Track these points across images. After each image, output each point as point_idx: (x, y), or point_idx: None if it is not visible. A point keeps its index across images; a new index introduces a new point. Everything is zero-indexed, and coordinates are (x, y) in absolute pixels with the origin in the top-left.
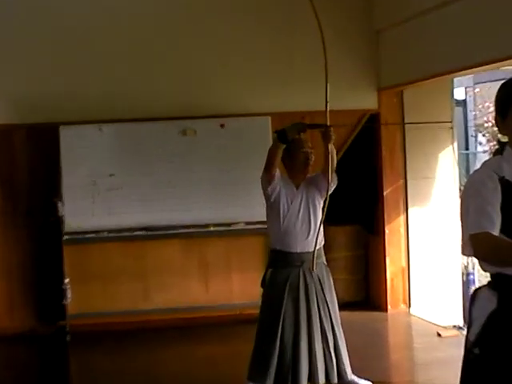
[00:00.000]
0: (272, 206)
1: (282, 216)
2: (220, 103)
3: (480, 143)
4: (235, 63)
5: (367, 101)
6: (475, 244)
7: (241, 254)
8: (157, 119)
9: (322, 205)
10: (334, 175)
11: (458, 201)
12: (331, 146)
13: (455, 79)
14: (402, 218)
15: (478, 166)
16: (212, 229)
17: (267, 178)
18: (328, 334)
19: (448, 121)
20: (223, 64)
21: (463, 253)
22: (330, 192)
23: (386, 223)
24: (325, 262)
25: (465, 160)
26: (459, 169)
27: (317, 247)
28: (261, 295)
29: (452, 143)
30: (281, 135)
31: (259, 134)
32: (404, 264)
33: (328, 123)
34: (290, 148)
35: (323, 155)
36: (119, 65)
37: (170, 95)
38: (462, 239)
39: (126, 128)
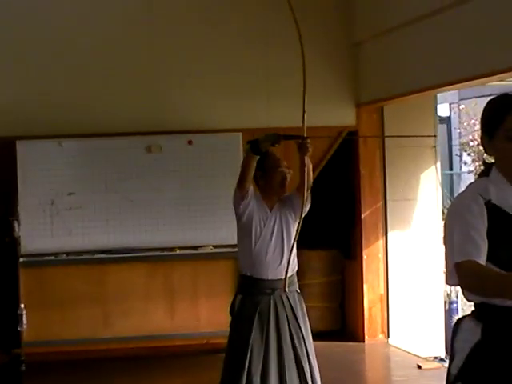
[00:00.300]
0: (244, 227)
1: (253, 239)
2: (188, 118)
3: (465, 163)
4: (204, 76)
5: (345, 117)
6: (460, 273)
7: (209, 279)
8: (120, 135)
9: (296, 227)
10: (309, 194)
11: (441, 225)
12: (307, 160)
13: (439, 95)
14: (381, 242)
15: (462, 186)
16: (178, 252)
17: (240, 193)
18: (304, 366)
19: (431, 137)
20: (191, 76)
21: (448, 282)
22: (304, 213)
23: (363, 247)
24: (298, 290)
25: (449, 181)
26: (442, 190)
27: (289, 274)
28: (229, 323)
29: (435, 162)
30: (254, 146)
31: (230, 151)
32: (383, 291)
33: (305, 135)
34: (266, 167)
35: (298, 172)
36: (81, 77)
37: (135, 109)
38: (447, 267)
39: (87, 144)
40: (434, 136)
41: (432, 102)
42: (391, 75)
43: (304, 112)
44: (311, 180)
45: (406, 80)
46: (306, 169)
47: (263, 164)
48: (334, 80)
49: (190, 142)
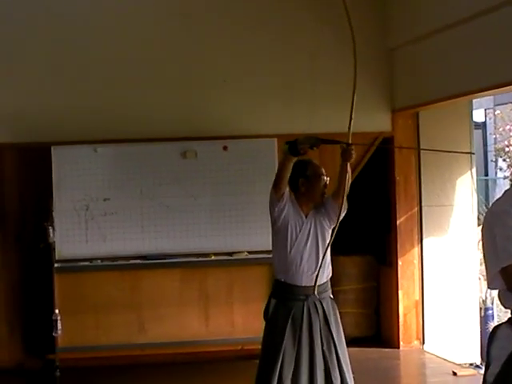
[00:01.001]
0: (279, 232)
1: (289, 244)
2: (223, 124)
3: (500, 169)
4: (239, 80)
5: (381, 123)
6: (509, 277)
7: (243, 286)
8: (155, 140)
9: (330, 234)
10: (345, 201)
11: (477, 230)
12: (348, 167)
13: (474, 100)
14: (417, 248)
15: (498, 193)
16: (213, 258)
17: (275, 194)
18: (333, 374)
19: (467, 142)
20: (228, 81)
21: (490, 287)
22: (340, 219)
23: (399, 254)
24: (331, 296)
25: (484, 186)
26: (478, 196)
27: (323, 280)
28: (263, 328)
29: (471, 168)
30: (292, 146)
31: (264, 157)
32: (418, 297)
33: (350, 141)
34: (309, 174)
35: (336, 178)
36: (116, 82)
37: (170, 114)
38: (488, 272)
39: (122, 149)
40: (471, 153)
41: (467, 107)
42: (427, 80)
43: (351, 118)
44: (349, 186)
45: (441, 85)
46: (347, 175)
47: (306, 171)
48: (370, 86)
49: (225, 148)
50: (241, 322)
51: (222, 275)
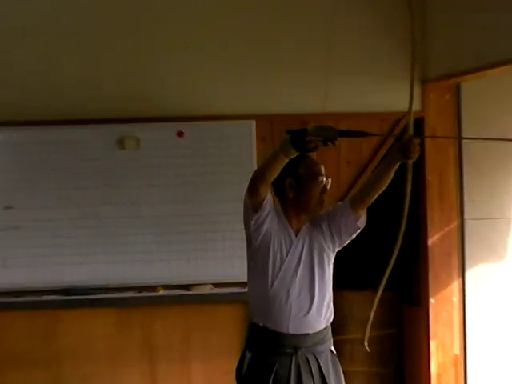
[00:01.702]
0: (256, 256)
1: (270, 274)
2: (177, 100)
3: None
4: (199, 45)
5: (405, 99)
6: None
7: (206, 333)
8: (79, 122)
9: (333, 258)
10: (364, 213)
11: None
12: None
13: None
14: (457, 281)
15: None
16: (162, 293)
17: (252, 202)
18: None
19: None
20: (182, 46)
21: None
22: (352, 237)
23: (430, 289)
24: (332, 349)
25: None
26: None
27: (321, 327)
28: None
29: None
30: (297, 137)
31: (237, 147)
32: (458, 351)
33: (411, 132)
34: (301, 173)
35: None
36: (17, 46)
37: (101, 87)
38: None
39: (29, 135)
40: None
41: None
42: (471, 41)
43: (411, 97)
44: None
45: (493, 45)
46: (389, 180)
47: (296, 168)
48: (391, 45)
49: (179, 134)
50: (202, 383)
51: (175, 318)
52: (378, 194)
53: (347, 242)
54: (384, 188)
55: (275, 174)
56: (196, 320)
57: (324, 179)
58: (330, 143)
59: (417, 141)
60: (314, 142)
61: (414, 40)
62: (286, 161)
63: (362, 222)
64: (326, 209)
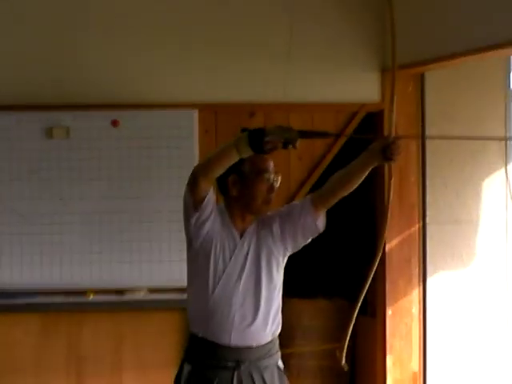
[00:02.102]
0: (196, 259)
1: (211, 280)
2: (112, 85)
3: None
4: (136, 28)
5: (363, 89)
6: None
7: (140, 342)
8: (2, 108)
9: (283, 264)
10: (324, 215)
11: None
12: None
13: None
14: (417, 289)
15: None
16: (92, 298)
17: (193, 199)
18: None
19: (499, 127)
20: (118, 29)
21: None
22: (307, 241)
23: (387, 298)
24: (280, 364)
25: None
26: None
27: (267, 338)
28: None
29: (505, 164)
30: (254, 138)
31: (178, 138)
32: (417, 368)
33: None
34: (244, 169)
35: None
36: None
37: (29, 71)
38: None
39: None
40: (507, 139)
41: (502, 68)
42: (438, 26)
43: (393, 92)
44: None
45: (461, 32)
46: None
47: (240, 164)
48: (349, 33)
49: (114, 123)
50: None
51: (106, 325)
52: (344, 195)
53: (301, 247)
54: (352, 189)
55: (221, 171)
56: (129, 328)
57: (272, 177)
58: (290, 146)
59: (401, 142)
60: (272, 143)
61: (392, 24)
62: (237, 159)
63: (321, 224)
64: (277, 209)
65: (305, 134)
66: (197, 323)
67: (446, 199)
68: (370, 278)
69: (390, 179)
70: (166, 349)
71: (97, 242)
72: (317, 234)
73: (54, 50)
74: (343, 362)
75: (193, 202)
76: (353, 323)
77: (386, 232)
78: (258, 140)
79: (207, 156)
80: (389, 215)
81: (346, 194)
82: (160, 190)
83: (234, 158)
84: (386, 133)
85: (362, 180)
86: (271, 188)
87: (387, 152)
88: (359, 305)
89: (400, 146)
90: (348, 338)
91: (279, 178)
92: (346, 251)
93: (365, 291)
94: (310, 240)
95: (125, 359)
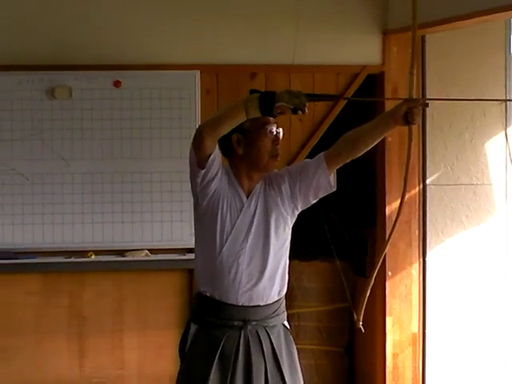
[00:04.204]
0: (203, 219)
1: (218, 240)
2: (114, 46)
3: None
4: None
5: (364, 51)
6: None
7: (140, 303)
8: (4, 68)
9: (291, 223)
10: (334, 173)
11: None
12: None
13: None
14: (416, 250)
15: None
16: (93, 258)
17: (199, 158)
18: None
19: (499, 88)
20: None
21: None
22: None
23: (388, 260)
24: (285, 323)
25: None
26: None
27: (274, 298)
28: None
29: (505, 126)
30: (265, 99)
31: (179, 98)
32: (416, 329)
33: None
34: (246, 126)
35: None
36: None
37: (30, 33)
38: None
39: None
40: (507, 100)
41: (502, 30)
42: None
43: (413, 55)
44: None
45: None
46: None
47: (242, 122)
48: None
49: (116, 84)
50: (136, 360)
51: (107, 286)
52: (357, 156)
53: (310, 204)
54: (366, 150)
55: (226, 130)
56: (130, 289)
57: (274, 128)
58: (300, 111)
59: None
60: (281, 108)
61: None
62: (244, 120)
63: (333, 182)
64: (285, 168)
65: (314, 97)
66: (204, 282)
67: (446, 162)
68: (384, 253)
69: (409, 141)
70: (167, 310)
71: (98, 202)
72: (328, 193)
73: (55, 10)
74: (360, 324)
75: (197, 160)
76: (368, 294)
77: (406, 195)
78: (268, 104)
79: (212, 115)
80: (408, 177)
81: (359, 154)
82: (162, 150)
83: (241, 118)
84: (409, 95)
85: (377, 142)
86: (276, 139)
87: (411, 115)
88: (374, 278)
89: (420, 109)
90: (365, 304)
91: (281, 129)
92: (346, 213)
93: (378, 266)
94: (318, 198)
95: (126, 320)
